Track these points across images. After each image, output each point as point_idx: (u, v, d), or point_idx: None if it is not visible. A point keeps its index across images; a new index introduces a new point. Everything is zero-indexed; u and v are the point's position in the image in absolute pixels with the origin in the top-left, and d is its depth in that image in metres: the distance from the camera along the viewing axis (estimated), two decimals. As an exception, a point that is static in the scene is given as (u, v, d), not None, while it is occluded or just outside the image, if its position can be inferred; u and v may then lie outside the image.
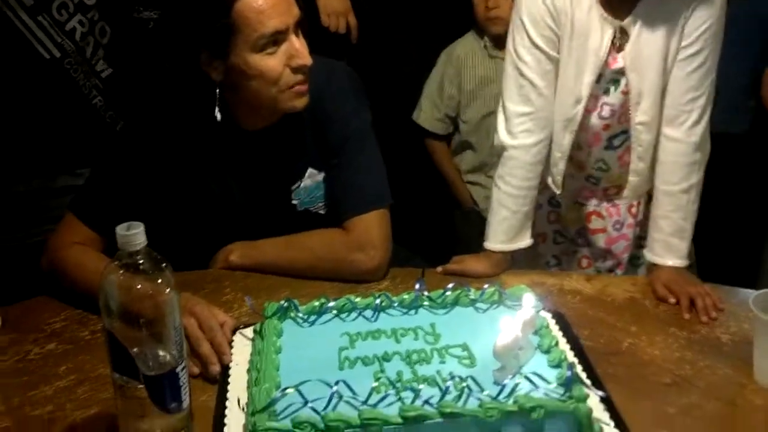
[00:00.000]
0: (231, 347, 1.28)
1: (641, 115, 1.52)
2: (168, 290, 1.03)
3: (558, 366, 1.14)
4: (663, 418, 1.15)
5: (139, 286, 1.01)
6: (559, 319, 1.33)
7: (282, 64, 1.40)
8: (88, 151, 1.71)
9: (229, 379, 1.22)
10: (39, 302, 1.46)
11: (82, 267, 1.39)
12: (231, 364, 1.25)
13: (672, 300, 1.43)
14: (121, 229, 1.00)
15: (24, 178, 1.74)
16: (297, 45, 1.40)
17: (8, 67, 1.65)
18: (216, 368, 1.23)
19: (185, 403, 1.08)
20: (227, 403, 1.16)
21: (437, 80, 2.31)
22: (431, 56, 2.32)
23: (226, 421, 1.13)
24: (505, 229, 1.56)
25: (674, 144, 1.50)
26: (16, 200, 1.73)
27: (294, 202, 1.57)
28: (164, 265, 1.04)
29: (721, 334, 1.35)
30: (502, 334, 1.12)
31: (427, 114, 2.32)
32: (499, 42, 2.22)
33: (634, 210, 1.67)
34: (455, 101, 2.29)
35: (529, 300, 1.19)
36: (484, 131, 2.27)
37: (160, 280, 1.03)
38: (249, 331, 1.30)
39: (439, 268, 1.55)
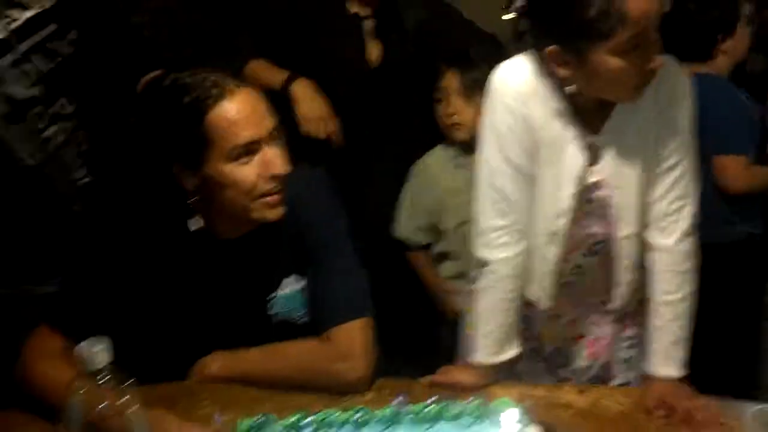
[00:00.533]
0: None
1: (625, 228, 1.50)
2: (133, 408, 0.99)
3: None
4: None
5: (101, 406, 0.97)
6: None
7: (256, 173, 1.40)
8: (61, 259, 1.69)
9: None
10: (10, 418, 1.40)
11: (53, 383, 1.34)
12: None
13: (660, 412, 1.38)
14: (84, 348, 0.97)
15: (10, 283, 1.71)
16: (270, 154, 1.40)
17: None
18: None
19: None
20: None
21: (410, 193, 2.31)
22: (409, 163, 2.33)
23: None
24: (491, 342, 1.51)
25: (666, 255, 1.47)
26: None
27: (271, 312, 1.53)
28: (129, 382, 1.00)
29: (720, 450, 1.29)
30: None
31: (404, 226, 2.31)
32: (467, 149, 2.22)
33: (612, 316, 1.62)
34: (429, 212, 2.29)
35: (512, 416, 1.14)
36: (461, 240, 2.24)
37: (124, 399, 0.99)
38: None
39: (426, 379, 1.50)
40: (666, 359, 1.46)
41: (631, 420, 1.38)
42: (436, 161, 2.27)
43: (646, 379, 1.49)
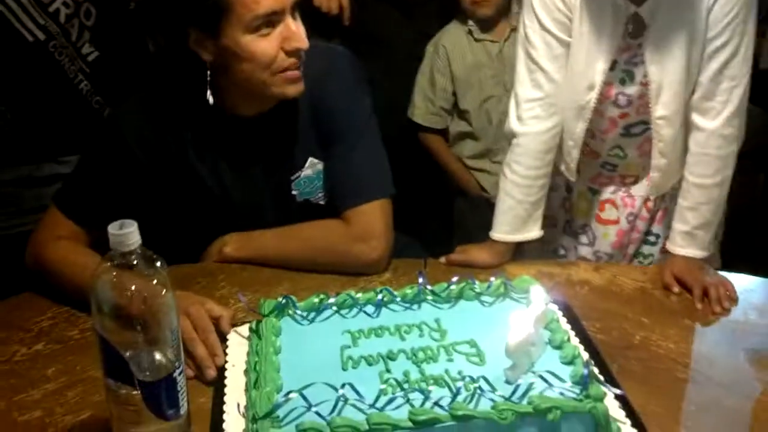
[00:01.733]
0: (226, 345, 1.22)
1: (662, 108, 1.46)
2: (164, 291, 0.97)
3: (571, 363, 1.09)
4: (681, 415, 1.10)
5: (133, 288, 0.95)
6: (568, 311, 1.27)
7: (276, 47, 1.33)
8: (74, 138, 1.64)
9: (226, 381, 1.16)
10: (24, 299, 1.40)
11: (69, 264, 1.32)
12: (227, 365, 1.19)
13: (676, 289, 1.39)
14: (113, 228, 0.94)
15: (9, 165, 1.66)
16: (293, 27, 1.33)
17: None
18: (212, 372, 1.18)
19: (183, 409, 1.03)
20: (225, 407, 1.11)
21: (427, 74, 2.25)
22: (423, 42, 2.26)
23: (224, 426, 1.07)
24: (510, 219, 1.50)
25: (709, 136, 1.43)
26: (19, 186, 1.67)
27: (294, 192, 1.50)
28: (159, 264, 0.98)
29: (736, 326, 1.31)
30: (513, 330, 1.07)
31: (422, 109, 2.27)
32: (486, 25, 2.16)
33: (650, 204, 1.61)
34: (449, 92, 2.24)
35: (538, 293, 1.14)
36: (484, 117, 2.22)
37: (155, 281, 0.97)
38: (245, 329, 1.25)
39: (442, 259, 1.50)
40: (690, 239, 1.46)
41: (647, 296, 1.40)
42: (453, 38, 2.20)
43: (667, 256, 1.49)
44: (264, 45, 1.32)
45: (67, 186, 1.46)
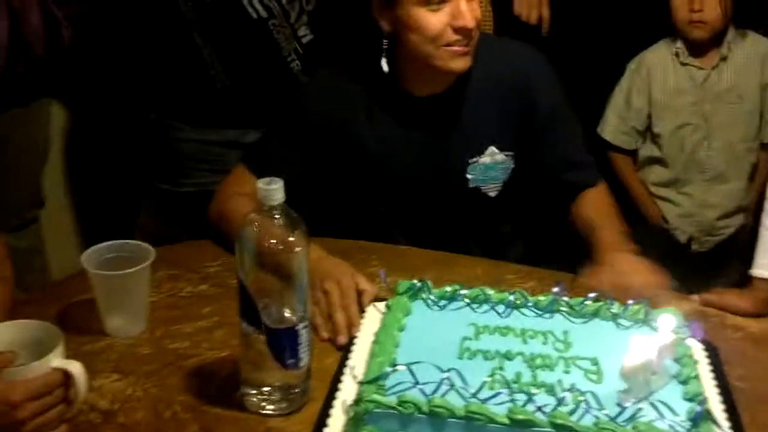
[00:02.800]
0: (363, 317, 1.28)
1: None
2: (298, 249, 1.05)
3: (692, 400, 1.05)
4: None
5: (272, 241, 1.04)
6: (711, 352, 1.21)
7: (444, 22, 1.40)
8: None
9: (353, 348, 1.22)
10: (200, 245, 1.55)
11: (240, 218, 1.45)
12: (359, 335, 1.25)
13: None
14: (262, 183, 1.03)
15: (219, 127, 1.83)
16: (462, 6, 1.39)
17: (219, 24, 1.74)
18: (343, 339, 1.25)
19: (303, 362, 1.10)
20: (345, 370, 1.17)
21: (625, 92, 2.17)
22: (619, 63, 2.19)
23: (340, 386, 1.14)
24: None
25: None
26: (207, 145, 1.84)
27: (468, 176, 1.55)
28: (299, 223, 1.06)
29: None
30: (633, 353, 1.04)
31: (613, 127, 2.19)
32: (695, 49, 2.06)
33: None
34: (644, 114, 2.15)
35: (669, 322, 1.10)
36: (677, 144, 2.12)
37: (292, 238, 1.05)
38: (382, 305, 1.31)
39: (696, 297, 1.36)
40: None
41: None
42: (658, 58, 2.12)
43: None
44: (432, 19, 1.39)
45: (256, 146, 1.61)
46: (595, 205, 1.53)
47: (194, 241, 1.58)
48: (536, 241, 1.71)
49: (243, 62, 1.78)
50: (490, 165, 1.54)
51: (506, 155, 1.55)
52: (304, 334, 1.09)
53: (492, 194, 1.56)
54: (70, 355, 1.08)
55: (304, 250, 1.06)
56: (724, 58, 2.05)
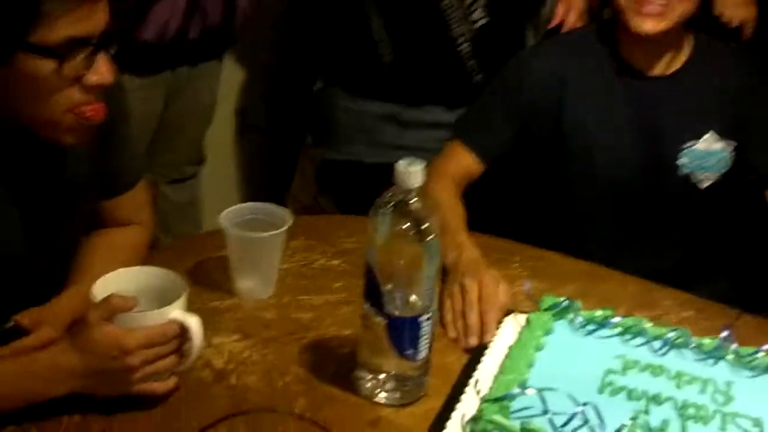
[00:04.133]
0: (498, 326, 1.17)
1: None
2: (430, 237, 0.97)
3: None
4: None
5: (405, 226, 0.96)
6: None
7: None
8: (439, 92, 1.73)
9: (483, 358, 1.11)
10: (341, 220, 1.50)
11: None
12: (491, 344, 1.14)
13: None
14: (401, 165, 0.95)
15: (380, 100, 1.77)
16: None
17: None
18: (472, 341, 1.15)
19: (421, 354, 1.02)
20: (469, 381, 1.07)
21: None
22: None
23: (462, 397, 1.04)
24: None
25: None
26: (363, 116, 1.80)
27: (679, 161, 1.45)
28: (435, 210, 0.98)
29: None
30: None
31: None
32: None
33: None
34: None
35: None
36: None
37: (426, 225, 0.96)
38: (523, 318, 1.19)
39: None
40: None
41: None
42: None
43: None
44: None
45: (468, 120, 1.57)
46: None
47: (337, 215, 1.52)
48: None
49: (411, 38, 1.72)
50: (704, 152, 1.45)
51: (727, 143, 1.46)
52: (426, 326, 1.01)
53: (703, 186, 1.47)
54: (193, 309, 1.05)
55: (435, 240, 0.97)
56: None
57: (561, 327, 1.14)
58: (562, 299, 1.16)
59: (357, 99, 1.78)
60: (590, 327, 1.13)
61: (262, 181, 2.39)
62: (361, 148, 1.78)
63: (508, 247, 1.42)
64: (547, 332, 1.12)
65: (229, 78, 2.19)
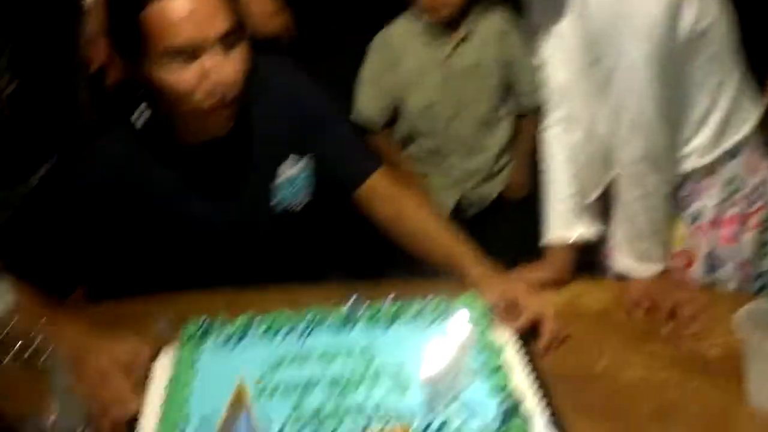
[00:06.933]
0: (150, 374, 1.14)
1: None
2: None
3: (500, 394, 0.99)
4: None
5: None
6: (520, 336, 1.17)
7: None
8: None
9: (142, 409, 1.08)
10: None
11: None
12: (148, 396, 1.09)
13: (642, 309, 1.28)
14: None
15: None
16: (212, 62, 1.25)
17: None
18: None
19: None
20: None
21: (371, 69, 2.07)
22: (363, 45, 2.09)
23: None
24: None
25: None
26: None
27: (273, 203, 1.43)
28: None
29: (708, 349, 1.18)
30: (431, 357, 0.98)
31: (367, 107, 2.08)
32: (436, 27, 1.98)
33: None
34: (393, 91, 2.06)
35: (464, 315, 1.04)
36: (429, 122, 2.04)
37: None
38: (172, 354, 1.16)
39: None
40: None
41: (612, 318, 1.28)
42: (401, 35, 2.02)
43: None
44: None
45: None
46: (414, 213, 1.42)
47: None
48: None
49: None
50: (291, 179, 1.44)
51: (303, 163, 1.45)
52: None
53: (299, 209, 1.45)
54: None
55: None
56: (465, 36, 2.00)
57: (209, 350, 1.14)
58: (201, 321, 1.16)
59: None
60: (234, 339, 1.15)
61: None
62: None
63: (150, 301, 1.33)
64: (195, 360, 1.12)
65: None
